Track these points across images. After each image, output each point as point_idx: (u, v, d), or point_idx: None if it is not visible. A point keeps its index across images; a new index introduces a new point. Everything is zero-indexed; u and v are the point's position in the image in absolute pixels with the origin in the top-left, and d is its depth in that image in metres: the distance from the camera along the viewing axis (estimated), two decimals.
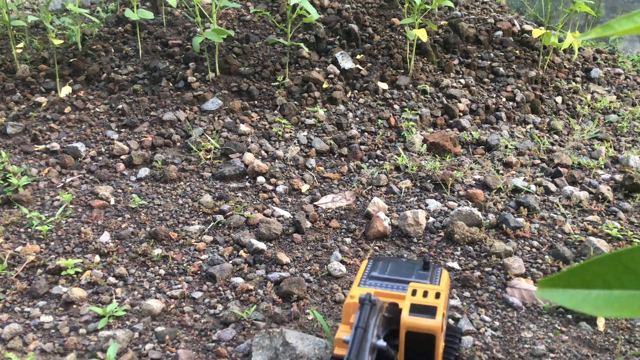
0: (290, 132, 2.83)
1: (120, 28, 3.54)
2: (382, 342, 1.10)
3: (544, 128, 3.22)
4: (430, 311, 1.21)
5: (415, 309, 1.21)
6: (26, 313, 1.73)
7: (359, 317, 1.09)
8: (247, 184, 2.47)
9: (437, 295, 1.25)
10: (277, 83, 3.09)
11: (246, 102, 2.99)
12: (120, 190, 2.39)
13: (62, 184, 2.41)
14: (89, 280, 1.87)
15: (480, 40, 3.70)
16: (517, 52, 3.70)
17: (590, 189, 2.55)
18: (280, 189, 2.44)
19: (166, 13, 3.65)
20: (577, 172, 2.63)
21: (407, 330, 1.19)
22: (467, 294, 1.87)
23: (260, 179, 2.48)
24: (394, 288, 1.36)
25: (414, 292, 1.27)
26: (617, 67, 4.06)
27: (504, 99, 3.36)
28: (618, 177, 2.63)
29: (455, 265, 2.01)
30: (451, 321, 1.74)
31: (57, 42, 2.91)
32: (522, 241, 2.15)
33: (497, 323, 1.74)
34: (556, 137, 3.12)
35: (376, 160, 2.74)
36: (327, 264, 2.00)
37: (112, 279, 1.89)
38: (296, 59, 3.26)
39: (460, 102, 3.24)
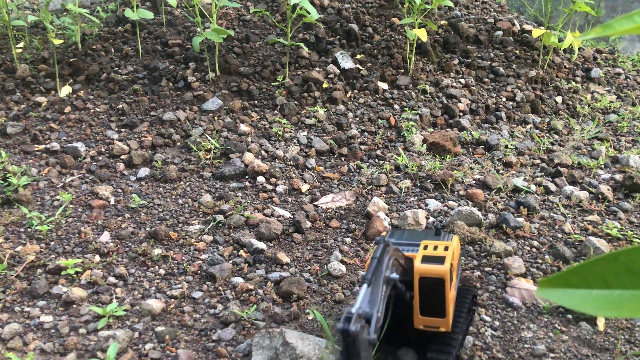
0: (290, 132, 2.83)
1: (120, 28, 3.55)
2: (395, 275, 1.26)
3: (544, 128, 3.22)
4: (439, 260, 1.40)
5: (427, 259, 1.42)
6: (26, 313, 1.73)
7: (374, 252, 1.24)
8: (247, 183, 2.47)
9: (446, 249, 1.46)
10: (277, 83, 3.09)
11: (246, 102, 2.99)
12: (120, 190, 2.39)
13: (62, 183, 2.41)
14: (89, 280, 1.87)
15: (480, 40, 3.70)
16: (517, 52, 3.70)
17: (590, 188, 2.55)
18: (280, 188, 2.44)
19: (166, 13, 3.65)
20: (577, 171, 2.63)
21: (420, 276, 1.39)
22: None
23: (260, 178, 2.48)
24: (409, 250, 1.52)
25: (425, 247, 1.48)
26: (617, 66, 4.06)
27: (504, 99, 3.36)
28: (618, 176, 2.63)
29: None
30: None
31: (57, 42, 2.91)
32: (522, 241, 2.15)
33: (497, 323, 1.74)
34: (556, 137, 3.12)
35: (376, 160, 2.74)
36: (327, 263, 2.00)
37: (112, 279, 1.89)
38: (296, 59, 3.26)
39: (460, 102, 3.24)
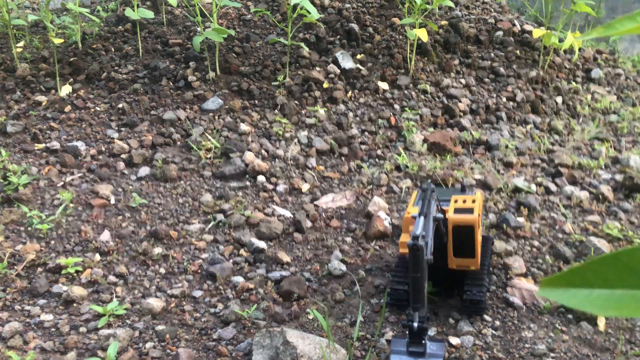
0: (290, 131, 2.83)
1: (120, 27, 3.54)
2: (440, 215, 1.53)
3: (545, 128, 3.22)
4: (469, 211, 1.66)
5: (458, 210, 1.67)
6: (26, 311, 1.73)
7: (424, 196, 1.51)
8: (248, 183, 2.47)
9: (473, 201, 1.71)
10: (277, 82, 3.09)
11: (246, 102, 2.99)
12: (120, 189, 2.39)
13: (63, 182, 2.41)
14: (89, 279, 1.87)
15: (481, 40, 3.70)
16: (518, 52, 3.69)
17: (590, 189, 2.55)
18: (281, 188, 2.44)
19: (166, 12, 3.65)
20: (577, 172, 2.63)
21: (453, 225, 1.64)
22: None
23: (261, 178, 2.48)
24: (442, 205, 1.74)
25: (456, 201, 1.73)
26: (617, 67, 4.06)
27: (504, 99, 3.36)
28: (618, 177, 2.63)
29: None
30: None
31: (58, 41, 2.91)
32: (523, 241, 2.15)
33: (497, 323, 1.74)
34: (557, 137, 3.12)
35: (377, 160, 2.74)
36: (328, 263, 2.00)
37: (112, 278, 1.89)
38: (296, 59, 3.26)
39: (460, 102, 3.24)
